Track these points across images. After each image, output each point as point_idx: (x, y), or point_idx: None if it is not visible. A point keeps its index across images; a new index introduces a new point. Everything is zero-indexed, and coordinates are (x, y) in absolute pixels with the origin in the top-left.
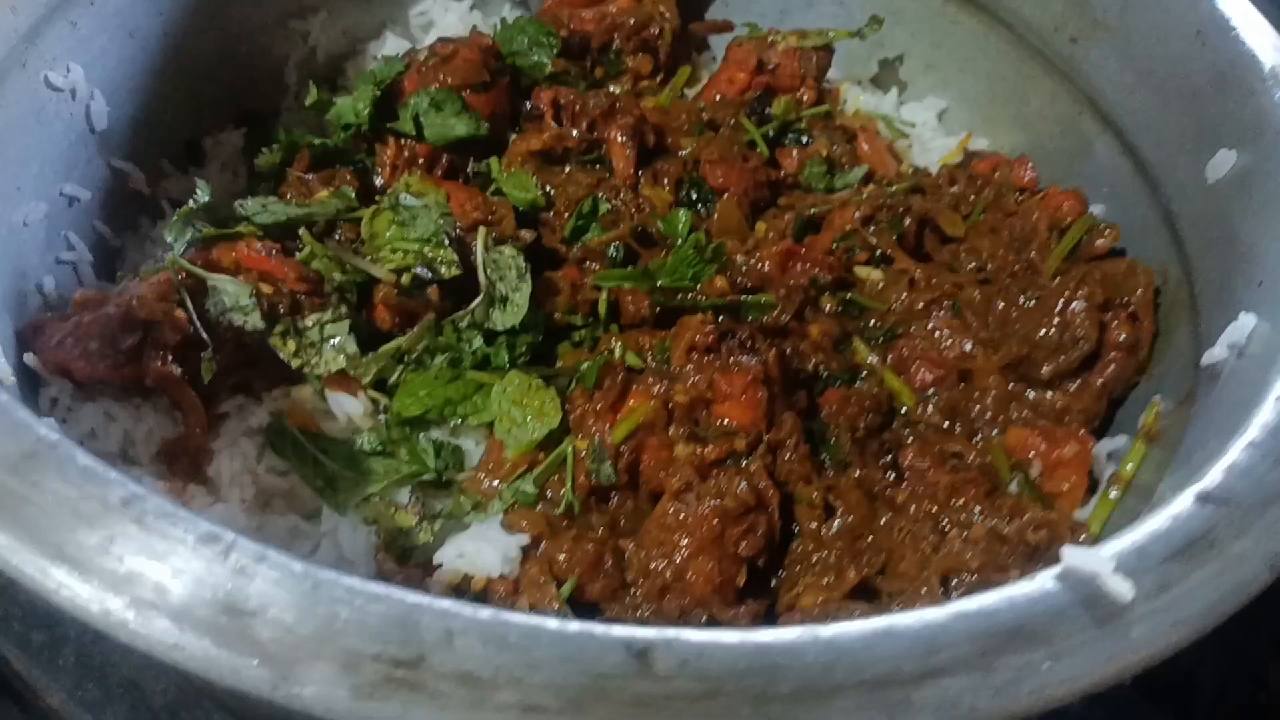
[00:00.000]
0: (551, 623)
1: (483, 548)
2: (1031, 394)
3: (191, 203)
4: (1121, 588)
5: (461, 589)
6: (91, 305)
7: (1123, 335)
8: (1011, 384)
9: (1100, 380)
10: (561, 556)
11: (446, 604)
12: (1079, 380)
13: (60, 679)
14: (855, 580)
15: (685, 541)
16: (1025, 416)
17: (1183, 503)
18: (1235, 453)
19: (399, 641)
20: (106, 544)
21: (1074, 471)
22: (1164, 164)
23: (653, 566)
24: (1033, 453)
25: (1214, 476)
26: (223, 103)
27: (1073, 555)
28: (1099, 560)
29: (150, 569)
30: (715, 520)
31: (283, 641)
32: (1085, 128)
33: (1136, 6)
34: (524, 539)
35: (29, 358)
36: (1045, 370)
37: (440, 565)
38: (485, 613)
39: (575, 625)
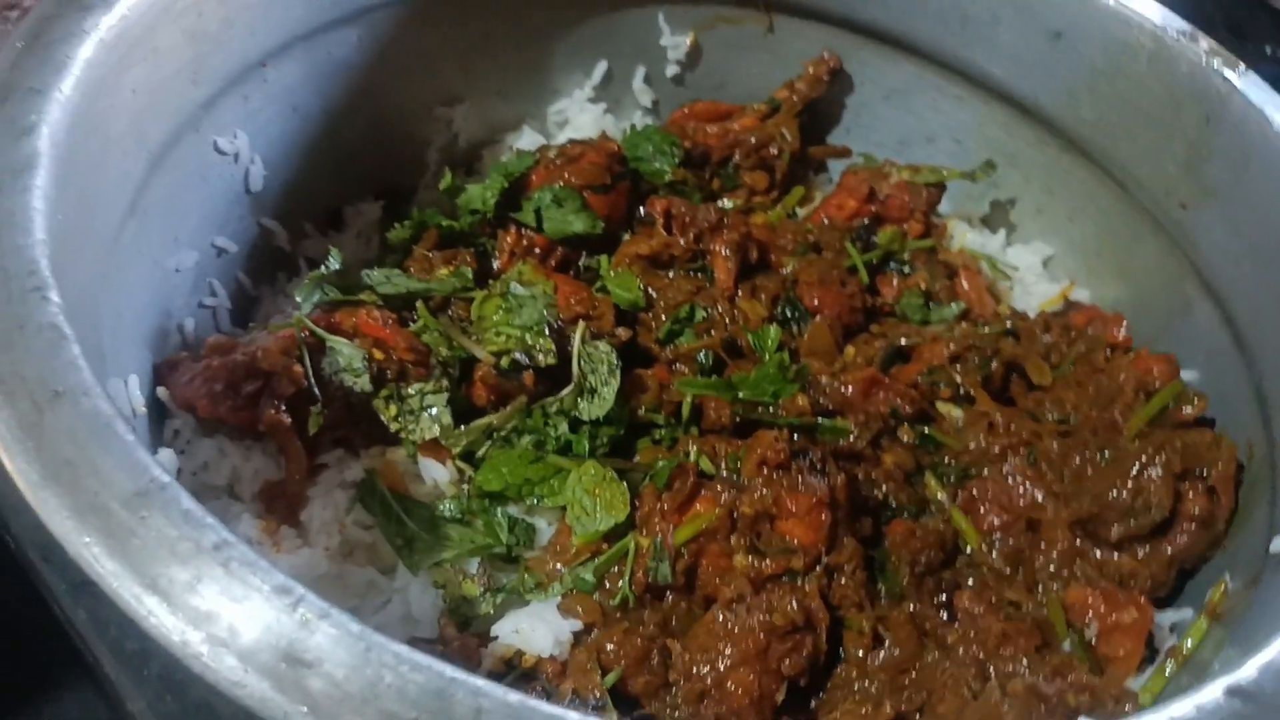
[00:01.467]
0: (573, 715)
1: (537, 626)
2: (1098, 553)
3: (324, 268)
4: None
5: (513, 663)
6: (222, 350)
7: (1198, 508)
8: (1079, 540)
9: (1170, 550)
10: (610, 646)
11: (481, 683)
12: (1149, 546)
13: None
14: (891, 715)
15: (730, 651)
16: (1089, 575)
17: (1211, 693)
18: (1274, 651)
19: (433, 711)
20: (194, 582)
21: (1131, 639)
22: (1261, 339)
23: (695, 670)
24: (1091, 613)
25: (1248, 671)
26: (367, 176)
27: None
28: None
29: (228, 610)
30: (762, 634)
31: (331, 695)
32: (1188, 291)
33: (1250, 179)
34: (577, 624)
35: (161, 391)
36: (1114, 532)
37: (496, 637)
38: (514, 697)
39: None
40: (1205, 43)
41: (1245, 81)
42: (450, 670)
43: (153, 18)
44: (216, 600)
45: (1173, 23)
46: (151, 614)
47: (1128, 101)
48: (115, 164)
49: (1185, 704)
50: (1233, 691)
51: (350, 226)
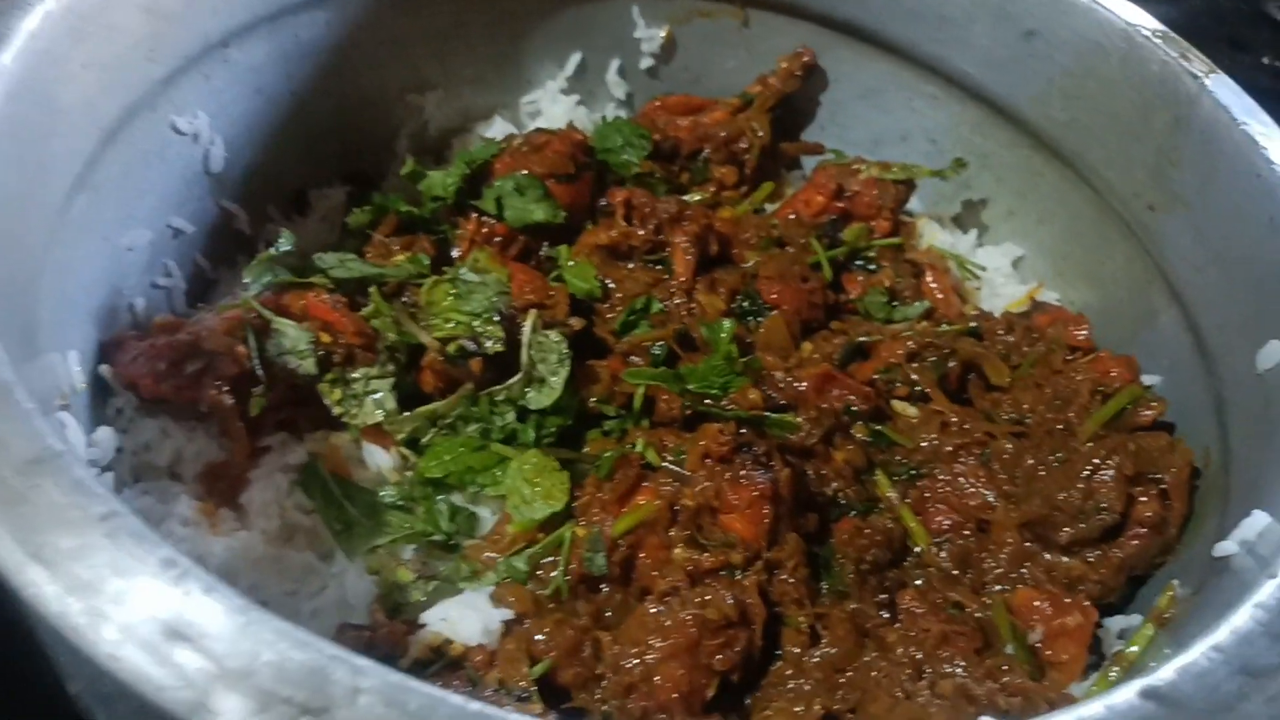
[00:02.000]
0: (455, 698)
1: (467, 615)
2: (1048, 556)
3: (273, 249)
4: None
5: (441, 652)
6: (168, 330)
7: (1150, 512)
8: (1028, 543)
9: (1121, 554)
10: (540, 637)
11: (362, 662)
12: (1099, 550)
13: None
14: (821, 713)
15: (659, 644)
16: (1037, 578)
17: (1125, 694)
18: (1195, 654)
19: (311, 689)
20: (79, 552)
21: (1075, 643)
22: (1222, 347)
23: (623, 663)
24: (1037, 617)
25: (1166, 674)
26: (334, 160)
27: None
28: None
29: (110, 581)
30: (693, 629)
31: (207, 670)
32: (1154, 297)
33: (1215, 187)
34: (508, 614)
35: (104, 369)
36: (1063, 534)
37: (425, 625)
38: (395, 677)
39: (476, 705)
40: (1176, 45)
41: (1215, 83)
42: (331, 649)
43: None
44: (100, 570)
45: (1145, 23)
46: (31, 582)
47: (1098, 103)
48: (63, 137)
49: (1095, 705)
50: (1147, 693)
51: (315, 211)
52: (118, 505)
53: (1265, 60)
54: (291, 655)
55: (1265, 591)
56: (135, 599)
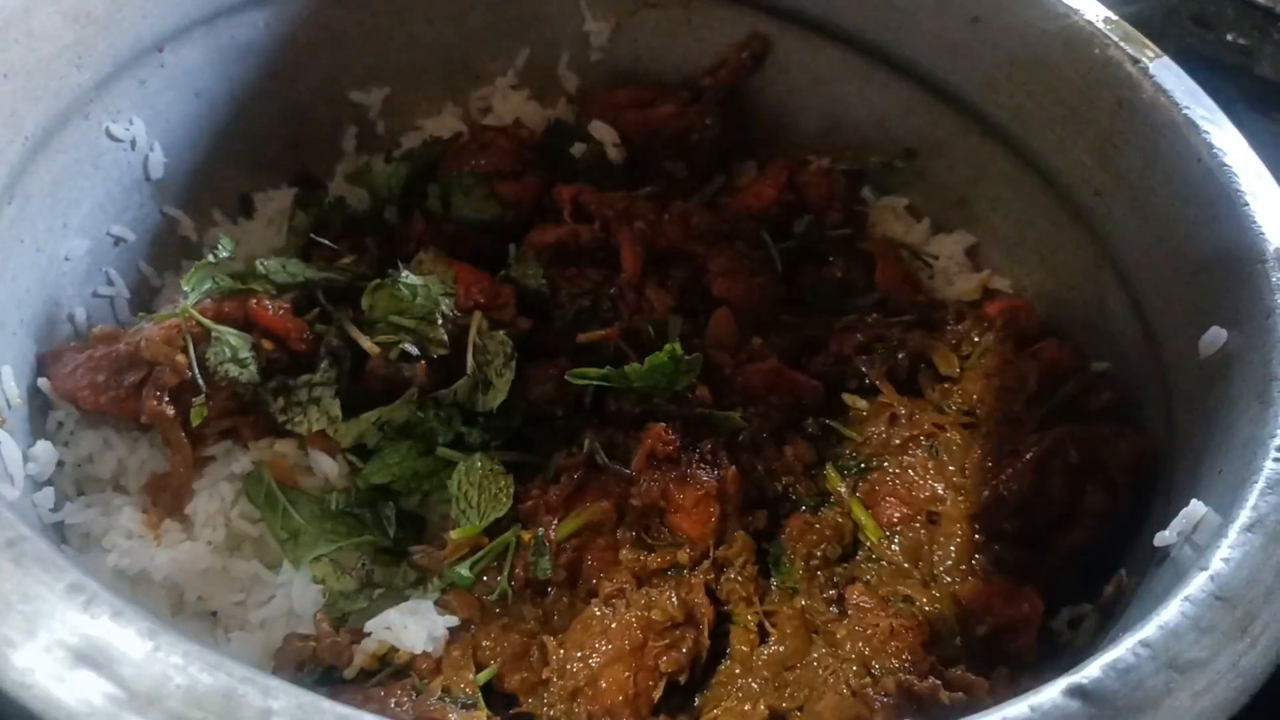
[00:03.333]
0: (367, 716)
1: (410, 623)
2: (997, 547)
3: (212, 256)
4: None
5: (386, 660)
6: (106, 340)
7: (1097, 502)
8: (978, 534)
9: (1069, 545)
10: (486, 643)
11: (274, 683)
12: (1048, 541)
13: None
14: (767, 713)
15: (605, 647)
16: (986, 569)
17: (1049, 693)
18: (1122, 649)
19: (221, 712)
20: None
21: (1025, 634)
22: (1167, 332)
23: (569, 667)
24: (986, 608)
25: (1091, 671)
26: (280, 162)
27: None
28: None
29: (18, 608)
30: (638, 631)
31: (115, 696)
32: (1103, 282)
33: (1158, 170)
34: (454, 620)
35: (42, 382)
36: (1010, 525)
37: (370, 634)
38: (306, 697)
39: None
40: (1120, 29)
41: (1158, 68)
42: (242, 670)
43: None
44: (6, 598)
45: (1088, 8)
46: None
47: (1043, 88)
48: None
49: (1020, 705)
50: (1071, 691)
51: (261, 214)
52: (24, 530)
53: (1229, 37)
54: (201, 678)
55: (1195, 584)
56: (43, 625)
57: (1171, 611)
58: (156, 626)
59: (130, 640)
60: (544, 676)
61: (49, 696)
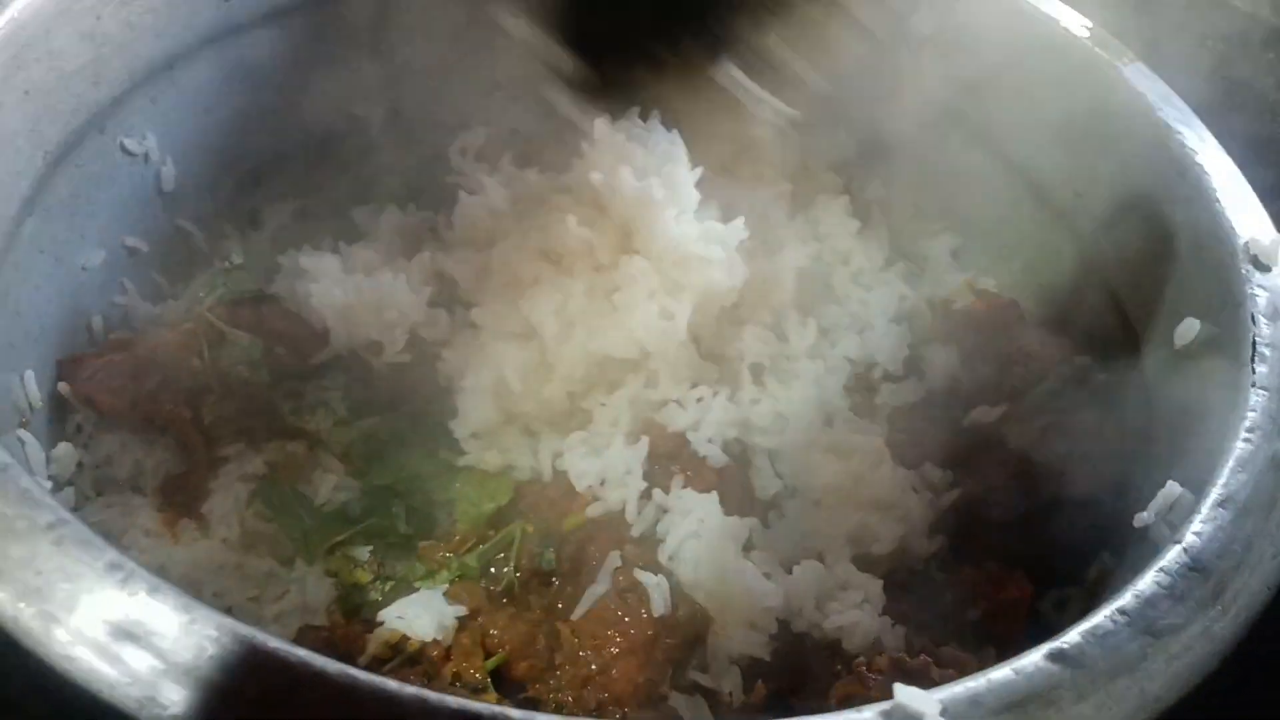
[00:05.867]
0: (391, 684)
1: (421, 613)
2: (987, 534)
3: (227, 264)
4: None
5: (399, 649)
6: (123, 346)
7: (1080, 488)
8: (968, 522)
9: (1055, 529)
10: (494, 631)
11: (302, 654)
12: (1033, 527)
13: None
14: (763, 694)
15: (618, 639)
16: (977, 556)
17: (1033, 657)
18: (1100, 617)
19: (253, 681)
20: (29, 559)
21: (1014, 617)
22: (1143, 324)
23: (581, 654)
24: (978, 593)
25: (1071, 637)
26: (286, 175)
27: (903, 693)
28: (926, 701)
29: (60, 586)
30: (650, 630)
31: (154, 667)
32: (1084, 278)
33: (1133, 170)
34: (462, 610)
35: (62, 386)
36: (999, 514)
37: (382, 623)
38: (334, 667)
39: (411, 690)
40: (1096, 36)
41: (1132, 71)
42: (274, 642)
43: (47, 19)
44: (50, 576)
45: (1067, 16)
46: None
47: (1023, 94)
48: (8, 161)
49: (1004, 668)
50: (1052, 655)
51: (268, 225)
52: (64, 514)
53: (1207, 42)
54: (233, 649)
55: (1170, 557)
56: (84, 602)
57: (1147, 581)
58: (191, 601)
59: (166, 614)
60: (557, 662)
61: (92, 668)
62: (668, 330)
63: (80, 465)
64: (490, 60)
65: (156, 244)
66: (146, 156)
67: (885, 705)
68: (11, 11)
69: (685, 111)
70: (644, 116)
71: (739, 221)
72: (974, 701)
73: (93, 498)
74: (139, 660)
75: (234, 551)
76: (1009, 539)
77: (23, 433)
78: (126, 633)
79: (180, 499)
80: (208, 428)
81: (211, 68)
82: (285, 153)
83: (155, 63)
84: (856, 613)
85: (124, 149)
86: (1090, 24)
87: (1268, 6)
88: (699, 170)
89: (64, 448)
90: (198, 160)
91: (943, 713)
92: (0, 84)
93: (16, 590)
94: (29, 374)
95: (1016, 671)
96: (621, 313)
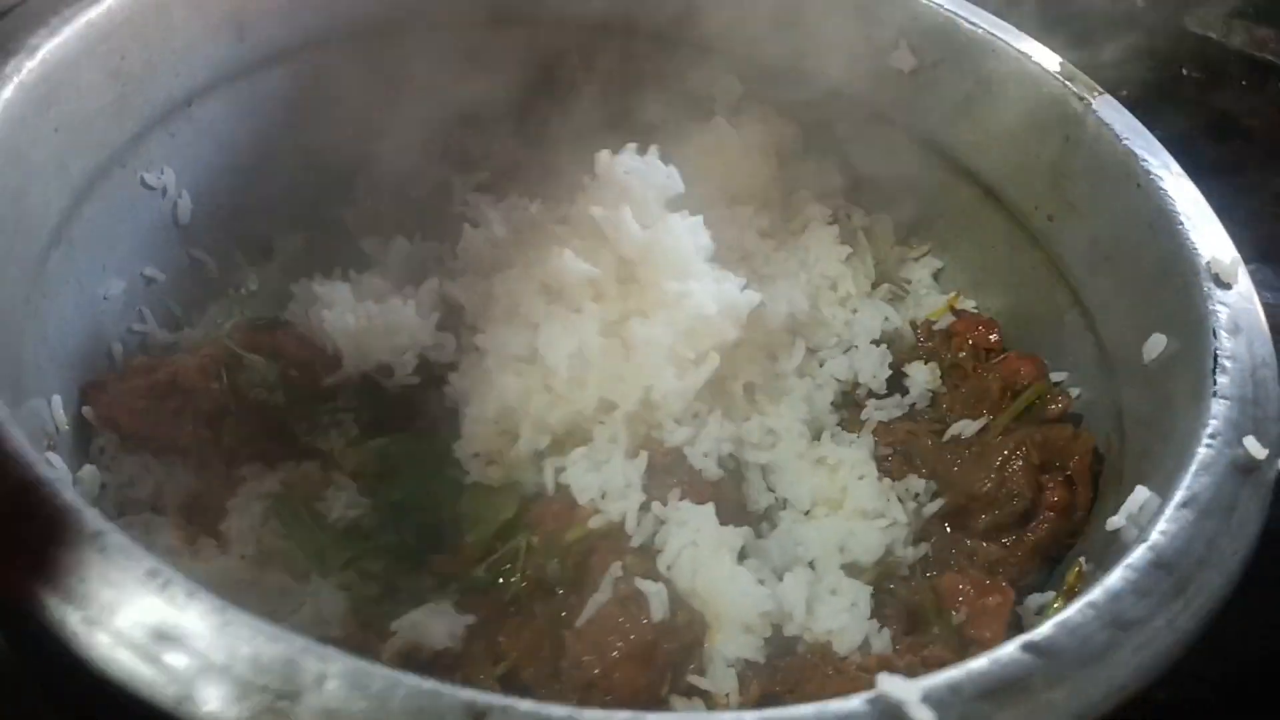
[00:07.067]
0: (410, 678)
1: (433, 623)
2: (968, 543)
3: (244, 290)
4: (924, 717)
5: (411, 657)
6: (144, 371)
7: (1057, 497)
8: (950, 531)
9: (1033, 538)
10: (502, 639)
11: (328, 651)
12: (1014, 536)
13: None
14: (759, 694)
15: (620, 644)
16: (960, 564)
17: (1008, 648)
18: (1072, 610)
19: (283, 677)
20: (74, 566)
21: (996, 621)
22: (1115, 341)
23: (585, 660)
24: (961, 599)
25: (1045, 629)
26: (297, 207)
27: (886, 681)
28: (908, 689)
29: (102, 592)
30: (650, 636)
31: (192, 666)
32: (1059, 300)
33: (1102, 194)
34: (471, 619)
35: (86, 410)
36: (981, 521)
37: (395, 633)
38: (357, 663)
39: (430, 684)
40: (1066, 71)
41: (1101, 104)
42: (301, 641)
43: (75, 59)
44: (93, 582)
45: (1039, 53)
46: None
47: (999, 124)
48: (38, 195)
49: (982, 659)
50: (1026, 646)
51: (279, 255)
52: (104, 524)
53: (1184, 71)
54: (265, 648)
55: (1136, 555)
56: (125, 607)
57: (1115, 578)
58: (225, 605)
59: (202, 618)
60: (562, 668)
61: (133, 669)
62: (682, 391)
63: (103, 486)
64: (492, 95)
65: (173, 274)
66: (164, 190)
67: (870, 694)
68: (43, 53)
69: (680, 144)
70: (642, 151)
71: (754, 295)
72: (953, 689)
73: (115, 518)
74: (177, 660)
75: (252, 568)
76: (990, 546)
77: (50, 455)
78: (165, 635)
79: (200, 518)
80: (226, 449)
81: (227, 104)
82: (296, 185)
83: (175, 99)
84: (845, 617)
85: (144, 182)
86: (1060, 60)
87: None
88: (700, 218)
89: (88, 469)
90: (211, 193)
91: (924, 699)
92: (33, 121)
93: (64, 596)
94: (56, 398)
95: (993, 661)
96: (638, 368)
